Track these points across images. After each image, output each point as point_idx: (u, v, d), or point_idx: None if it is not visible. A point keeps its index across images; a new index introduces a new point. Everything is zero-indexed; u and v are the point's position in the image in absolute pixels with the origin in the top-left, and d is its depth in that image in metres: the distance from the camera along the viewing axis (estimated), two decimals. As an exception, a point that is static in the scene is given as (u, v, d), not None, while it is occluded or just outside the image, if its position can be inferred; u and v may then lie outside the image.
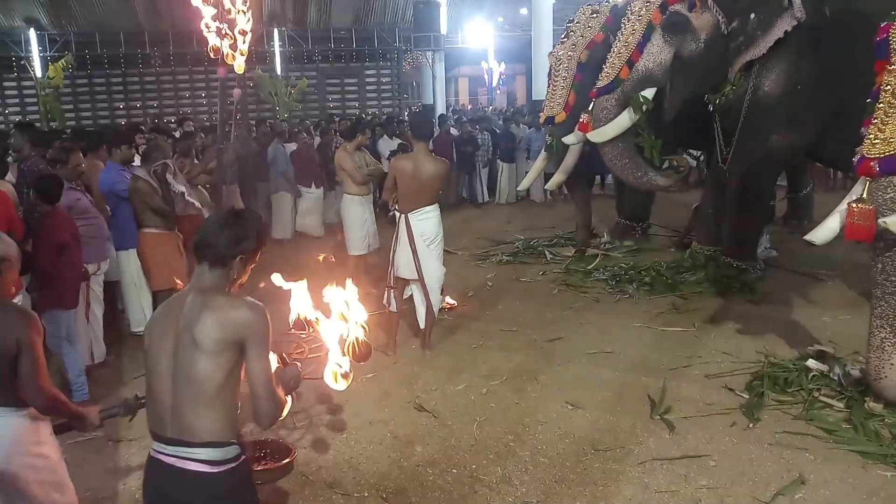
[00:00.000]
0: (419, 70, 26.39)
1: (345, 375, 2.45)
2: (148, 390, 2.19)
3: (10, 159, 7.37)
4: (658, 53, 6.34)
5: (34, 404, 2.48)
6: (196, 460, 2.08)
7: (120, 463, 4.14)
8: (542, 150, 8.82)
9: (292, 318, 2.68)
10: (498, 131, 13.24)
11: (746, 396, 4.61)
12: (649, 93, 6.37)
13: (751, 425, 4.25)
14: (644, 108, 6.34)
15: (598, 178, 11.65)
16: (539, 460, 3.97)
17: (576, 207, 8.93)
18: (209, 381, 2.07)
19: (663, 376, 4.95)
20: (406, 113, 20.18)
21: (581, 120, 7.06)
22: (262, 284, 2.74)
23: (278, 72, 20.05)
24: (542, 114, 8.41)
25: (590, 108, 6.77)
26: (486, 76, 26.34)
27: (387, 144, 11.61)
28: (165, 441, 2.12)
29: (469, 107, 29.89)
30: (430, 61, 24.86)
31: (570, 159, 7.92)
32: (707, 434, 4.18)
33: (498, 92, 28.70)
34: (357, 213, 7.05)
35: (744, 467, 3.82)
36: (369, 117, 17.16)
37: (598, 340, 5.73)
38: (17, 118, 18.28)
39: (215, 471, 2.10)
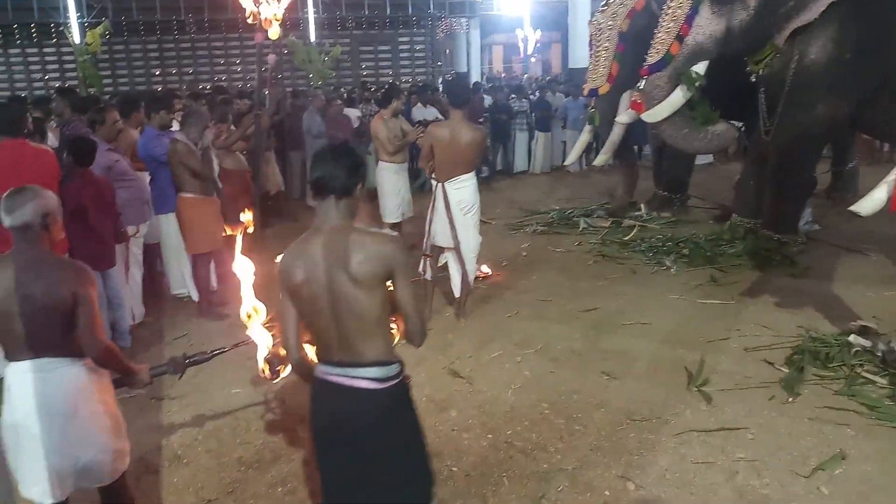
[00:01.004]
0: (452, 37, 26.11)
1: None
2: (309, 325, 2.32)
3: (52, 124, 7.51)
4: (708, 25, 6.16)
5: (91, 354, 2.56)
6: (365, 378, 2.25)
7: (162, 420, 4.25)
8: (587, 123, 8.68)
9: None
10: (533, 99, 13.07)
11: (786, 371, 4.54)
12: (701, 67, 6.20)
13: (790, 399, 4.20)
14: (697, 83, 6.19)
15: (635, 148, 11.46)
16: (574, 428, 3.97)
17: (621, 174, 8.81)
18: (371, 311, 2.22)
19: (700, 348, 4.90)
20: (439, 81, 20.00)
21: (633, 99, 6.92)
22: None
23: (312, 39, 19.98)
24: (585, 85, 8.28)
25: (641, 87, 6.62)
26: (520, 44, 25.95)
27: (421, 112, 11.53)
28: (333, 364, 2.29)
29: (503, 75, 29.51)
30: (465, 28, 24.55)
31: (615, 135, 7.79)
32: (745, 407, 4.14)
33: (533, 60, 28.29)
34: (392, 180, 7.04)
35: (782, 441, 3.78)
36: (405, 84, 17.04)
37: (634, 312, 5.68)
38: (57, 84, 18.51)
39: (382, 387, 2.27)
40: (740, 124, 9.58)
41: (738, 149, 12.42)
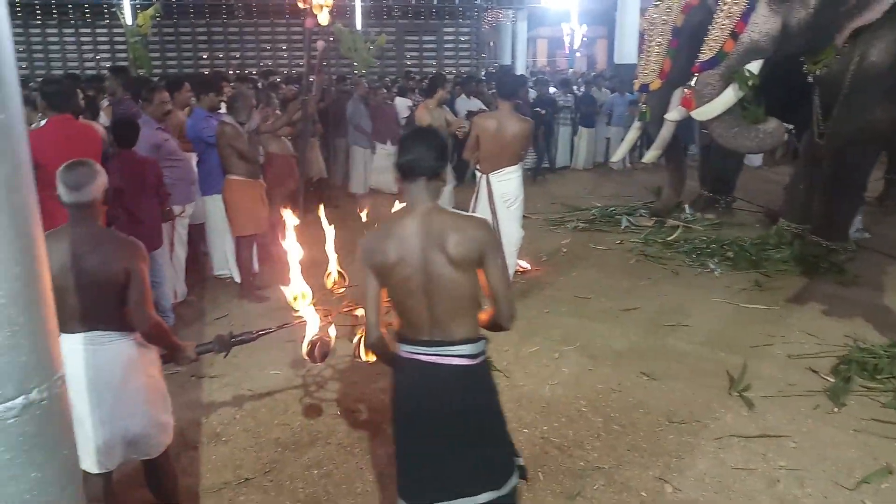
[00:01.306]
0: (497, 29, 25.95)
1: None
2: (398, 305, 2.36)
3: (105, 102, 7.67)
4: (764, 23, 5.99)
5: (140, 329, 2.60)
6: (458, 355, 2.32)
7: (203, 398, 4.31)
8: (636, 120, 8.54)
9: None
10: (578, 94, 12.94)
11: (832, 380, 4.44)
12: (755, 66, 6.04)
13: (835, 409, 4.10)
14: (750, 82, 6.03)
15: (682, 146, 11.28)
16: (612, 427, 3.93)
17: (669, 173, 8.69)
18: (465, 291, 2.29)
19: (743, 353, 4.82)
20: (483, 73, 19.91)
21: (684, 95, 6.78)
22: None
23: (358, 27, 20.03)
24: (635, 81, 8.14)
25: (692, 84, 6.48)
26: (566, 38, 25.68)
27: (465, 104, 11.49)
28: (423, 343, 2.34)
29: (547, 69, 29.27)
30: (512, 20, 24.38)
31: (666, 132, 7.65)
32: (788, 415, 4.06)
33: (578, 55, 28.00)
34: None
35: (826, 451, 3.69)
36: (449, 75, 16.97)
37: (675, 313, 5.60)
38: (108, 64, 18.87)
39: (473, 363, 2.35)
40: (790, 125, 9.43)
41: (786, 152, 12.18)
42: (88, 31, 21.05)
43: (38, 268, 1.23)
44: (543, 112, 11.60)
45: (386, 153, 9.87)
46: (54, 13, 20.32)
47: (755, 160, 11.48)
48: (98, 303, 2.52)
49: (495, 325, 2.43)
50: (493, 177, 5.33)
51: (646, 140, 9.92)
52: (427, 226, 2.28)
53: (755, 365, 4.65)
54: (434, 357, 2.33)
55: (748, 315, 5.59)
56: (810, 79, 6.52)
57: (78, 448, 2.59)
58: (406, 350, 2.38)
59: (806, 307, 5.71)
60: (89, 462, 2.63)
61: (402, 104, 10.61)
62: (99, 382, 2.57)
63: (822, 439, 3.80)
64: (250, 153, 5.62)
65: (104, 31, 21.37)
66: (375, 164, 9.88)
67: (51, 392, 1.23)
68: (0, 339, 1.13)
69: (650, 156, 8.11)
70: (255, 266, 6.17)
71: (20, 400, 1.17)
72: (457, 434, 2.37)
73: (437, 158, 2.33)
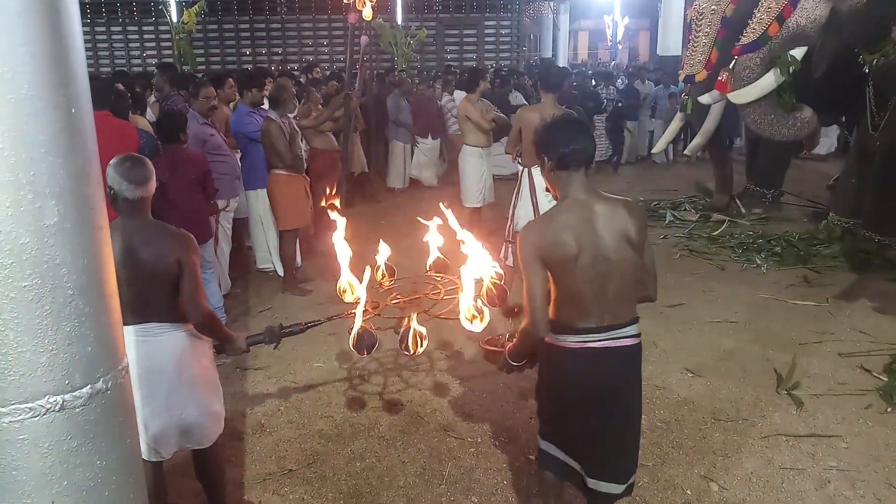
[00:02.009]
0: (539, 22, 25.73)
1: (480, 317, 2.46)
2: (568, 295, 2.38)
3: (152, 98, 7.83)
4: (813, 9, 5.84)
5: (194, 320, 2.64)
6: (626, 336, 2.43)
7: (247, 390, 4.39)
8: (678, 111, 8.40)
9: (430, 260, 2.74)
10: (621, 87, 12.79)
11: (885, 378, 4.32)
12: (799, 52, 5.89)
13: (888, 409, 4.00)
14: (791, 68, 5.88)
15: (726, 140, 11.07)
16: (656, 424, 3.89)
17: (714, 170, 8.53)
18: (637, 273, 2.42)
19: (791, 350, 4.72)
20: (523, 66, 19.80)
21: (720, 78, 6.63)
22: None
23: (398, 21, 20.07)
24: (680, 72, 8.00)
25: (731, 66, 6.35)
26: (607, 30, 25.38)
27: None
28: (592, 331, 2.39)
29: (588, 62, 28.97)
30: (554, 12, 24.16)
31: (710, 122, 7.50)
32: (838, 414, 3.96)
33: (620, 47, 27.66)
34: (475, 165, 7.01)
35: (879, 452, 3.60)
36: (491, 68, 16.91)
37: (721, 309, 5.51)
38: (154, 61, 19.25)
39: (637, 342, 2.49)
40: (841, 117, 9.18)
41: (837, 145, 11.88)
42: (135, 28, 21.52)
43: (104, 260, 1.26)
44: (590, 106, 11.51)
45: (427, 147, 9.91)
46: (103, 12, 20.81)
47: (821, 149, 11.16)
48: (152, 295, 2.57)
49: (645, 299, 2.54)
50: (536, 170, 5.28)
51: (689, 133, 9.75)
52: (609, 213, 2.35)
53: (804, 363, 4.55)
54: (606, 342, 2.39)
55: (797, 312, 5.47)
56: (865, 70, 6.32)
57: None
58: (571, 340, 2.41)
59: (857, 304, 5.56)
60: (146, 449, 2.69)
61: (458, 97, 10.47)
62: (154, 373, 2.62)
63: (874, 440, 3.71)
64: (285, 153, 5.64)
65: (150, 28, 21.80)
66: (416, 159, 9.92)
67: (115, 381, 1.27)
68: (68, 330, 1.17)
69: (693, 145, 7.97)
70: (298, 260, 6.25)
71: (87, 389, 1.20)
72: (620, 414, 2.49)
73: (594, 147, 2.45)
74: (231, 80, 6.65)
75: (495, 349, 2.69)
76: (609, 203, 2.38)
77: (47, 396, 1.16)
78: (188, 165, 4.78)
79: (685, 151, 9.44)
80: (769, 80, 5.99)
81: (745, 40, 6.11)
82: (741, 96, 6.17)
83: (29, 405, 1.15)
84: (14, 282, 1.11)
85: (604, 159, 12.19)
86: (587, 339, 2.39)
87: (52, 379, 1.17)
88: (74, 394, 1.19)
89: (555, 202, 5.47)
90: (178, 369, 2.67)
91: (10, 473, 1.18)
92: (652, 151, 11.20)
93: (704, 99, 7.16)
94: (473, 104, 6.89)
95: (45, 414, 1.16)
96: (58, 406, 1.17)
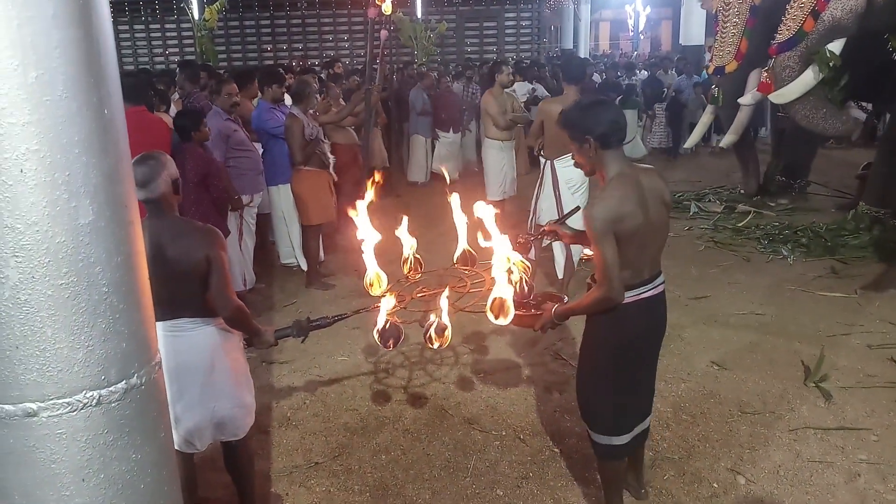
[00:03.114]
0: (559, 13, 25.56)
1: (505, 312, 2.48)
2: (633, 257, 2.62)
3: (175, 96, 7.90)
4: None
5: (223, 314, 2.67)
6: (661, 283, 2.80)
7: (273, 383, 4.43)
8: (708, 104, 8.26)
9: (457, 253, 2.76)
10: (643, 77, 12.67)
11: (916, 371, 4.26)
12: (837, 46, 5.74)
13: (920, 402, 3.94)
14: (831, 63, 5.76)
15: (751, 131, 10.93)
16: (682, 417, 3.87)
17: (740, 163, 8.43)
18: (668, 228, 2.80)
19: (819, 342, 4.66)
20: (544, 57, 19.68)
21: (761, 79, 6.50)
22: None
23: (418, 15, 20.04)
24: (709, 63, 7.87)
25: (770, 66, 6.23)
26: (629, 20, 25.17)
27: (523, 88, 11.37)
28: (644, 283, 2.70)
29: (609, 52, 28.74)
30: (575, 3, 23.96)
31: (743, 116, 7.36)
32: (868, 407, 3.91)
33: (642, 37, 27.40)
34: (497, 158, 7.00)
35: (910, 445, 3.56)
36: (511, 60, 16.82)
37: (747, 301, 5.46)
38: (176, 58, 19.43)
39: (665, 285, 2.84)
40: (869, 105, 9.01)
41: (862, 134, 11.67)
42: (158, 26, 21.72)
43: (137, 257, 1.29)
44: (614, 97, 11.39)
45: (449, 141, 9.89)
46: (126, 10, 21.03)
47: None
48: (182, 291, 2.60)
49: None
50: (558, 163, 5.27)
51: (715, 124, 9.62)
52: (650, 184, 2.64)
53: (832, 355, 4.49)
54: (652, 290, 2.72)
55: (824, 303, 5.41)
56: (895, 56, 6.20)
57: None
58: (629, 295, 2.66)
59: (886, 295, 5.48)
60: (180, 441, 2.74)
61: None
62: (186, 369, 2.66)
63: (905, 433, 3.66)
64: (300, 152, 5.67)
65: (172, 26, 22.00)
66: (438, 152, 9.91)
67: (149, 377, 1.29)
68: (104, 326, 1.19)
69: (727, 140, 7.84)
70: (322, 255, 6.29)
71: (122, 384, 1.23)
72: (659, 347, 2.93)
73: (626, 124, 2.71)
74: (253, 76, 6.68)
75: (528, 314, 2.80)
76: (646, 173, 2.68)
77: (84, 391, 1.19)
78: (191, 165, 4.74)
79: (719, 145, 9.31)
80: (809, 77, 5.87)
81: (780, 38, 5.98)
82: (782, 96, 6.07)
83: (67, 400, 1.17)
84: (51, 280, 1.14)
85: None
86: (642, 292, 2.69)
87: (88, 374, 1.19)
88: (110, 389, 1.21)
89: (577, 194, 5.45)
90: (210, 364, 2.70)
91: (49, 467, 1.21)
92: (683, 146, 11.08)
93: (746, 100, 7.02)
94: (496, 98, 6.88)
95: (82, 409, 1.19)
96: (95, 401, 1.19)
